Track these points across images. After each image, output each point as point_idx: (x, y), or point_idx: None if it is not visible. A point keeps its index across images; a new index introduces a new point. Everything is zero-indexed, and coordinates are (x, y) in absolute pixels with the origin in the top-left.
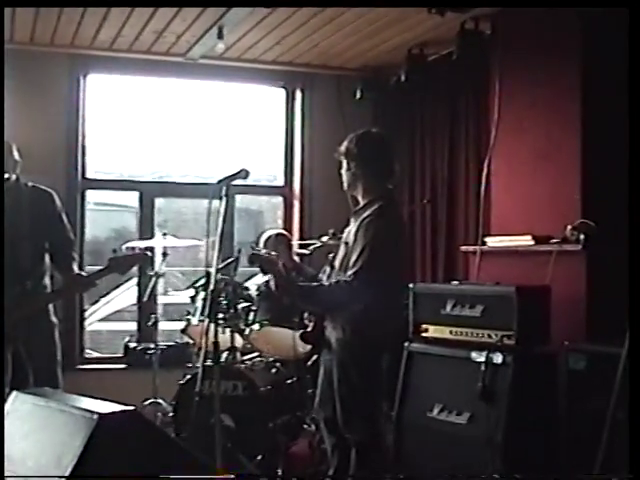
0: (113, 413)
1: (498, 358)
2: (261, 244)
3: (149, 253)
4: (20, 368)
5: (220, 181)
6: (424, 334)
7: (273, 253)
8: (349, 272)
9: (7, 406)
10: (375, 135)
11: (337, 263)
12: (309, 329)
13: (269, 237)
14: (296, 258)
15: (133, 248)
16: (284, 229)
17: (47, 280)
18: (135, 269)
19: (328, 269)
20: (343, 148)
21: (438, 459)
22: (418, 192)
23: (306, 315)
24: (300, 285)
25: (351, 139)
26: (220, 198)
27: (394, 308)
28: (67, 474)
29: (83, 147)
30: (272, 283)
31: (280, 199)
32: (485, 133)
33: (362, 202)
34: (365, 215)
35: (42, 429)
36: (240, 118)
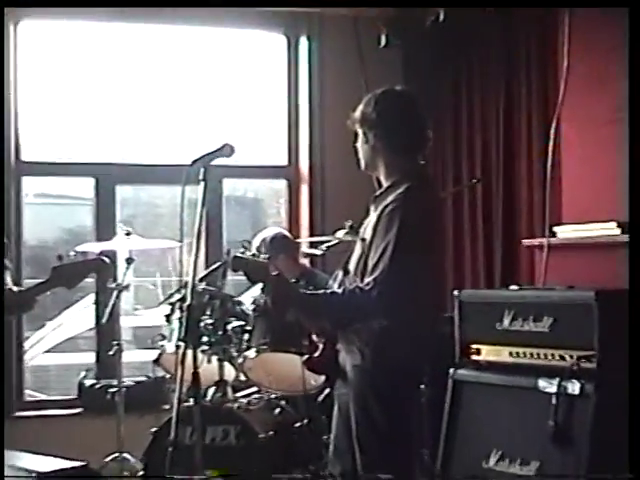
0: (56, 471)
1: (574, 387)
2: (254, 249)
3: (107, 259)
4: None
5: (196, 161)
6: (475, 357)
7: (263, 256)
8: (368, 278)
9: None
10: (399, 94)
11: (352, 266)
12: (316, 354)
13: (262, 242)
14: (304, 261)
15: (85, 253)
16: (289, 224)
17: None
18: (91, 281)
19: (340, 274)
20: (358, 114)
21: None
22: (465, 169)
23: (313, 335)
24: (303, 295)
25: (368, 101)
26: (197, 183)
27: (430, 323)
28: None
29: (16, 120)
30: (266, 295)
31: (283, 183)
32: (553, 89)
33: (385, 184)
34: (388, 201)
35: None
36: (229, 77)
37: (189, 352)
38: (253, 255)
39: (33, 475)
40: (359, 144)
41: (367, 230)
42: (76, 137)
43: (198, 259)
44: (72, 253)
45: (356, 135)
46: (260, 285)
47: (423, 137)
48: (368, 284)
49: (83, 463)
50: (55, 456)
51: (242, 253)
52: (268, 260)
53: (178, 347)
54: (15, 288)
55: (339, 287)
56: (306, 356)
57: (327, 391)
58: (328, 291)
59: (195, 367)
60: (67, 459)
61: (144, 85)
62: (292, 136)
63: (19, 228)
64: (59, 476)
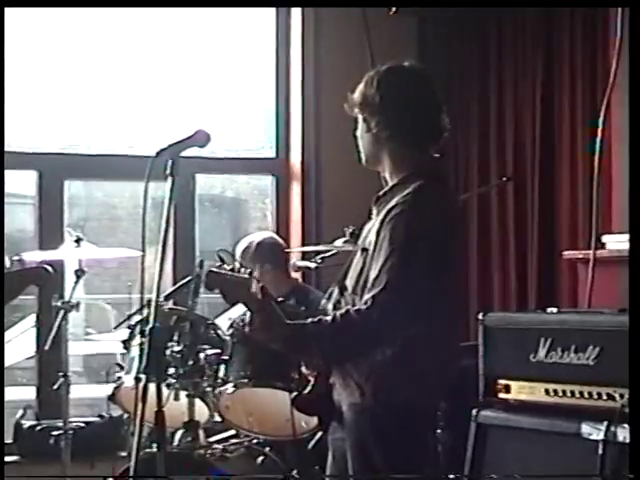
0: None
1: (625, 434)
2: (237, 256)
3: (50, 268)
4: None
5: (162, 151)
6: (503, 395)
7: (243, 270)
8: (366, 295)
9: None
10: (409, 71)
11: (350, 282)
12: (307, 390)
13: (247, 247)
14: (296, 276)
15: (21, 260)
16: (276, 230)
17: None
18: (31, 298)
19: (336, 292)
20: (357, 96)
21: None
22: (494, 166)
23: (303, 367)
24: (287, 325)
25: (370, 80)
26: (164, 178)
27: (446, 353)
28: None
29: None
30: (246, 318)
31: (269, 180)
32: (602, 68)
33: (390, 182)
34: (394, 203)
35: None
36: (203, 51)
37: (152, 386)
38: (232, 269)
39: None
40: (359, 133)
41: (369, 238)
42: (15, 121)
43: (164, 272)
44: (7, 261)
45: (356, 122)
46: (237, 306)
47: (437, 125)
48: (366, 302)
49: None
50: None
51: (219, 267)
52: (250, 276)
53: (138, 380)
54: None
55: (334, 308)
56: (295, 393)
57: (319, 435)
58: (315, 318)
59: (159, 405)
60: None
61: (99, 60)
62: (281, 122)
63: None
64: None
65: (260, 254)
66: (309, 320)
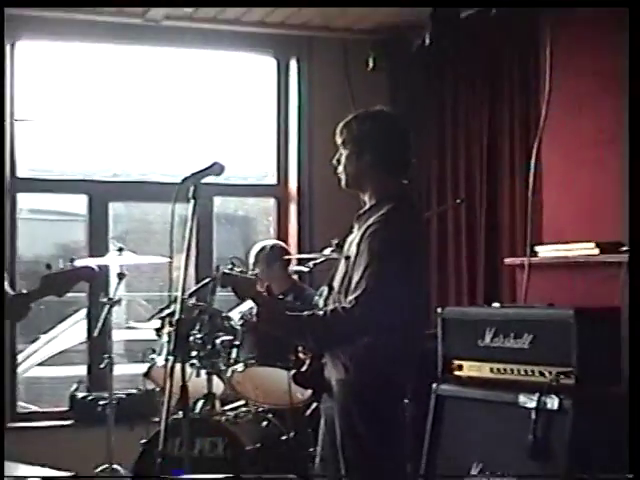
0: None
1: (553, 403)
2: (251, 259)
3: (96, 268)
4: None
5: (186, 179)
6: (457, 372)
7: (251, 272)
8: (350, 297)
9: None
10: (393, 115)
11: (336, 283)
12: (303, 368)
13: (261, 249)
14: (295, 277)
15: (72, 262)
16: (278, 239)
17: None
18: (83, 295)
19: (326, 290)
20: (341, 129)
21: None
22: (450, 190)
23: (300, 349)
24: (286, 317)
25: (352, 119)
26: (187, 200)
27: (413, 340)
28: None
29: (12, 137)
30: (254, 311)
31: (272, 201)
32: (535, 112)
33: (368, 203)
34: (371, 222)
35: None
36: (219, 98)
37: (178, 366)
38: (241, 271)
39: None
40: (345, 161)
41: (351, 248)
42: (70, 156)
43: (187, 275)
44: (60, 263)
45: (337, 151)
46: (250, 301)
47: (407, 158)
48: (350, 303)
49: (72, 474)
50: (45, 466)
51: (230, 269)
52: (256, 277)
53: (167, 361)
54: (11, 292)
55: (324, 304)
56: (294, 370)
57: (315, 405)
58: (309, 312)
59: (184, 380)
60: (58, 470)
61: (137, 105)
62: (281, 156)
63: (13, 242)
64: None
65: (272, 255)
66: (305, 313)
